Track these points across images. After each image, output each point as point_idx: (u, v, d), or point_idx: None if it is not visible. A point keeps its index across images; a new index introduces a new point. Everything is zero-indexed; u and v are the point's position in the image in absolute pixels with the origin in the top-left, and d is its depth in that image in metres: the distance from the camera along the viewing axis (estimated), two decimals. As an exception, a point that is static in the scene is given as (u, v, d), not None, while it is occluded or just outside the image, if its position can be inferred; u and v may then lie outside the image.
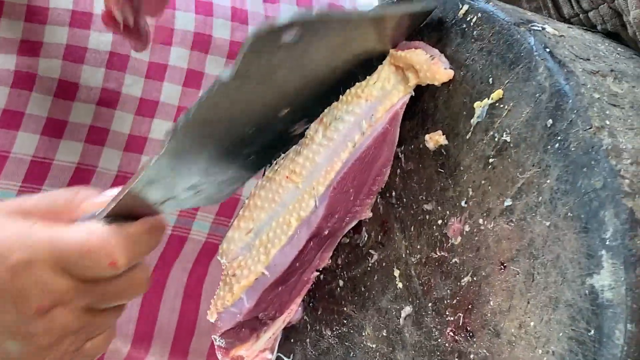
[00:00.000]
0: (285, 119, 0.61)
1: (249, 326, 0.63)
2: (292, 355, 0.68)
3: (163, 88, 0.76)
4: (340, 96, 0.61)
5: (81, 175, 0.75)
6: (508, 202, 0.51)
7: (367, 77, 0.60)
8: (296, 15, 0.50)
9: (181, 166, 0.56)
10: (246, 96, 0.54)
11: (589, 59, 0.52)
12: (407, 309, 0.58)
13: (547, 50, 0.50)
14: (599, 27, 0.62)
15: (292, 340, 0.68)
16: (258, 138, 0.61)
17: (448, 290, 0.55)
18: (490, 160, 0.53)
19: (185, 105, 0.77)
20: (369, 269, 0.62)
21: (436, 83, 0.56)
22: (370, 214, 0.62)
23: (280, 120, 0.61)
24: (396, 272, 0.59)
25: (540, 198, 0.49)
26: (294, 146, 0.63)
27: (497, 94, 0.52)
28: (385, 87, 0.59)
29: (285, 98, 0.58)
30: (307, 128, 0.63)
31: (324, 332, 0.65)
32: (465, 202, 0.54)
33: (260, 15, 0.80)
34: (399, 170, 0.60)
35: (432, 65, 0.56)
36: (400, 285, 0.59)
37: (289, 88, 0.58)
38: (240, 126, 0.58)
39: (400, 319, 0.58)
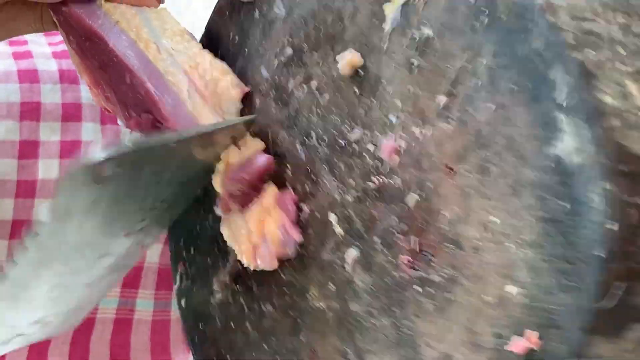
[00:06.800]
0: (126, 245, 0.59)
1: None
2: (233, 345, 0.61)
3: None
4: None
5: None
6: (443, 100, 0.46)
7: None
8: (111, 150, 0.46)
9: (20, 305, 0.54)
10: (74, 232, 0.50)
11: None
12: (352, 253, 0.52)
13: None
14: None
15: (230, 329, 0.61)
16: (100, 262, 0.58)
17: (394, 218, 0.49)
18: (415, 62, 0.48)
19: (24, 179, 0.71)
20: (302, 225, 0.56)
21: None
22: None
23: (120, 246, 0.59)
24: (332, 218, 0.53)
25: (479, 82, 0.44)
26: None
27: (408, -11, 0.48)
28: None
29: (119, 223, 0.56)
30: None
31: (264, 309, 0.58)
32: (396, 117, 0.49)
33: None
34: (314, 108, 0.54)
35: None
36: (339, 230, 0.53)
37: (120, 213, 0.55)
38: (75, 257, 0.54)
39: (347, 267, 0.52)
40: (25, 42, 0.77)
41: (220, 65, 0.60)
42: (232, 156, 0.58)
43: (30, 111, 0.72)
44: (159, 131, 0.60)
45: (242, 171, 0.57)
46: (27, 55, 0.75)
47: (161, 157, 0.54)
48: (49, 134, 0.72)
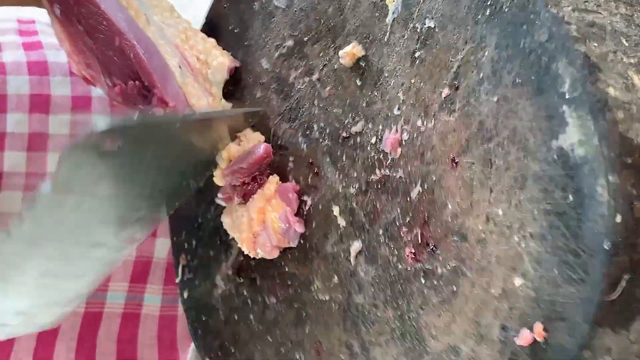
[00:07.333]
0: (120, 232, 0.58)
1: None
2: (237, 337, 0.61)
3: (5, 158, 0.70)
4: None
5: None
6: (446, 92, 0.46)
7: None
8: (115, 122, 0.46)
9: (8, 288, 0.53)
10: (71, 210, 0.50)
11: None
12: (356, 245, 0.52)
13: None
14: None
15: (233, 321, 0.61)
16: (92, 252, 0.57)
17: (398, 210, 0.49)
18: (417, 54, 0.48)
19: (34, 172, 0.71)
20: (304, 217, 0.56)
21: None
22: None
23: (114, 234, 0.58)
24: (335, 210, 0.53)
25: (482, 74, 0.44)
26: None
27: (410, -20, 0.48)
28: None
29: (116, 209, 0.55)
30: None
31: (267, 302, 0.58)
32: (398, 109, 0.49)
33: None
34: (316, 101, 0.54)
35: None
36: (342, 223, 0.53)
37: (119, 197, 0.54)
38: (69, 241, 0.54)
39: (351, 259, 0.52)
40: (35, 33, 0.76)
41: (211, 41, 0.61)
42: (233, 150, 0.58)
43: (39, 103, 0.71)
44: (146, 100, 0.60)
45: (242, 162, 0.57)
46: (37, 46, 0.74)
47: (164, 139, 0.53)
48: (59, 126, 0.72)
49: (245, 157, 0.57)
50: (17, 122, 0.70)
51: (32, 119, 0.71)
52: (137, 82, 0.58)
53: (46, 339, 0.70)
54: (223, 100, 0.60)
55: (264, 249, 0.56)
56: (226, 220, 0.60)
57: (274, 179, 0.57)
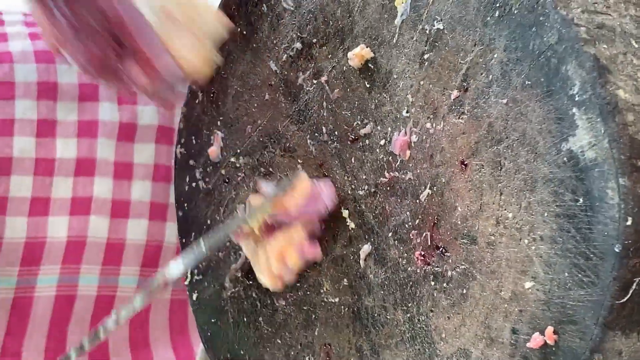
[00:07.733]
0: None
1: None
2: (246, 339, 0.61)
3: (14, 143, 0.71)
4: None
5: None
6: (455, 94, 0.46)
7: None
8: (187, 262, 0.54)
9: None
10: None
11: None
12: (366, 248, 0.52)
13: None
14: None
15: (243, 323, 0.61)
16: None
17: (407, 213, 0.49)
18: (426, 56, 0.47)
19: (43, 157, 0.72)
20: (313, 219, 0.56)
21: None
22: None
23: None
24: (345, 213, 0.53)
25: (491, 76, 0.44)
26: None
27: (418, -18, 0.47)
28: None
29: None
30: None
31: (277, 304, 0.58)
32: (407, 111, 0.49)
33: None
34: (325, 103, 0.54)
35: None
36: (352, 225, 0.53)
37: None
38: None
39: (360, 262, 0.52)
40: None
41: None
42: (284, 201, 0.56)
43: (46, 90, 0.72)
44: (120, 60, 0.59)
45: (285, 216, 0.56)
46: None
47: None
48: (66, 113, 0.72)
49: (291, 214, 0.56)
50: (26, 108, 0.71)
51: (40, 106, 0.71)
52: (111, 43, 0.58)
53: (59, 325, 0.70)
54: (217, 54, 0.60)
55: (288, 280, 0.56)
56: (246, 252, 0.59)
57: (301, 233, 0.55)
